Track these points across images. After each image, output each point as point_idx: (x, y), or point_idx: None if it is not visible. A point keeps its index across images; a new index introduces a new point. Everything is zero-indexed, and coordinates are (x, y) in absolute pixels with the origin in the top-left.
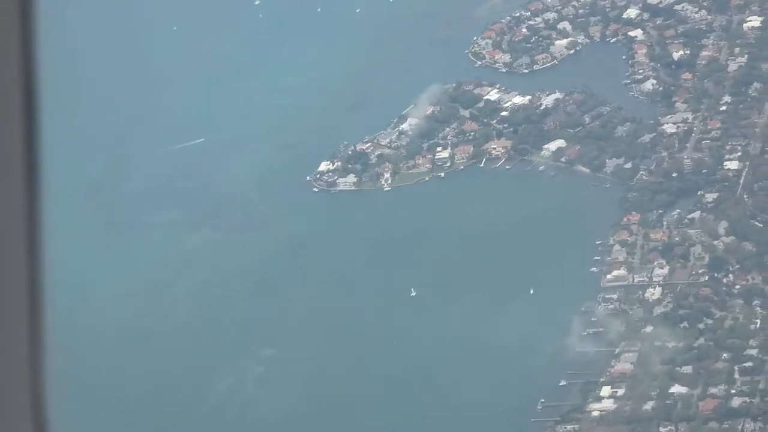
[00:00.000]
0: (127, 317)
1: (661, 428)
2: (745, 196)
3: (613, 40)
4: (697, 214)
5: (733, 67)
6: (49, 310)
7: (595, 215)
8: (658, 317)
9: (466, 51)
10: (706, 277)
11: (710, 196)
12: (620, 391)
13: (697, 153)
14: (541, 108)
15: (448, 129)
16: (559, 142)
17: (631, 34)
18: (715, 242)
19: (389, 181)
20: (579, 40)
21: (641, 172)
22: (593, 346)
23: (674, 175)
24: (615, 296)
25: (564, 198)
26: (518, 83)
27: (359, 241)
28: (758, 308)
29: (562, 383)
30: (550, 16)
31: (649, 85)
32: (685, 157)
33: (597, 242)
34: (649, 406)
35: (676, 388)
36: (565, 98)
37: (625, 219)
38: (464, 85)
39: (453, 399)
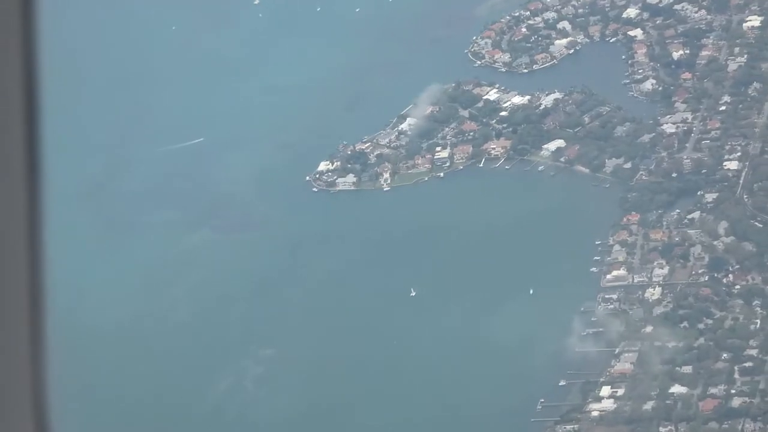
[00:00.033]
0: (127, 317)
1: (660, 428)
2: (745, 196)
3: (613, 39)
4: (696, 214)
5: (732, 66)
6: (50, 310)
7: (594, 215)
8: (658, 317)
9: (466, 51)
10: (706, 277)
11: (710, 196)
12: (620, 391)
13: (697, 153)
14: (541, 108)
15: (447, 129)
16: (559, 142)
17: (631, 33)
18: (715, 242)
19: (388, 181)
20: (578, 40)
21: (641, 172)
22: (593, 346)
23: (674, 175)
24: (615, 296)
25: (563, 198)
26: (518, 83)
27: (358, 241)
28: (758, 308)
29: (562, 383)
30: (550, 15)
31: (648, 84)
32: (685, 157)
33: (597, 242)
34: (649, 406)
35: (676, 388)
36: (565, 98)
37: (624, 219)
38: (463, 84)
39: (453, 399)
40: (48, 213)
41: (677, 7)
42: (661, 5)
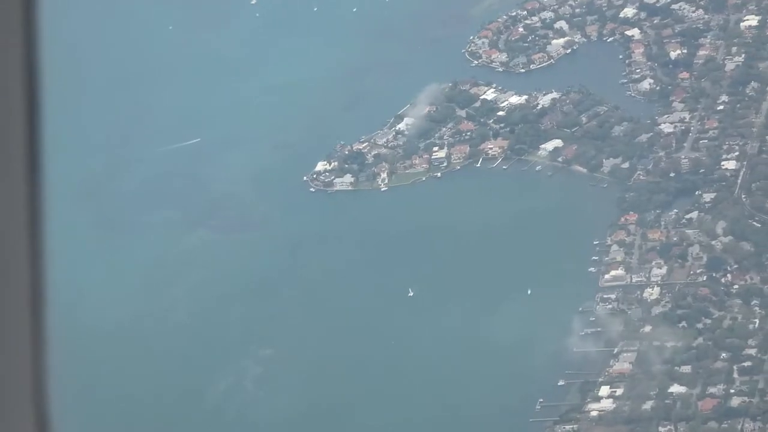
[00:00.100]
0: (126, 316)
1: (660, 428)
2: (743, 196)
3: (610, 39)
4: (694, 214)
5: (730, 66)
6: (50, 310)
7: (592, 215)
8: (657, 317)
9: (463, 50)
10: (705, 277)
11: (708, 196)
12: (619, 391)
13: (695, 153)
14: (538, 108)
15: (444, 129)
16: (556, 142)
17: (628, 33)
18: (713, 242)
19: (386, 181)
20: (576, 40)
21: (638, 172)
22: (592, 346)
23: (672, 174)
24: (613, 296)
25: (561, 198)
26: (515, 83)
27: (356, 241)
28: (757, 308)
29: (561, 383)
30: (547, 15)
31: (646, 84)
32: (683, 156)
33: (595, 242)
34: (648, 405)
35: (675, 388)
36: (562, 98)
37: (622, 219)
38: (461, 84)
39: (451, 399)
40: (48, 213)
41: (674, 6)
42: (658, 5)
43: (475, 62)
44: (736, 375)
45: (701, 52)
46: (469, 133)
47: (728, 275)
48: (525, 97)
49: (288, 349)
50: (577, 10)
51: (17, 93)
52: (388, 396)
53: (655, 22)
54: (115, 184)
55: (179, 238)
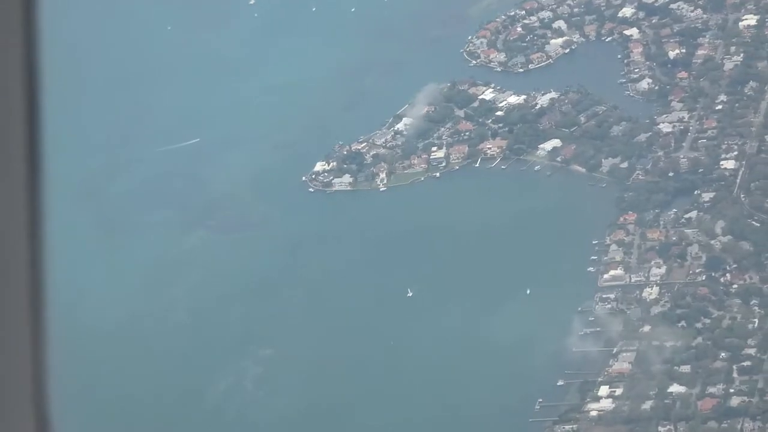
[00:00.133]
0: (126, 317)
1: (659, 428)
2: (742, 196)
3: (609, 39)
4: (693, 214)
5: (729, 65)
6: (50, 310)
7: (591, 215)
8: (656, 317)
9: (461, 50)
10: (704, 277)
11: (707, 196)
12: (618, 391)
13: (694, 152)
14: (537, 107)
15: (443, 129)
16: (555, 142)
17: (627, 32)
18: (712, 241)
19: (385, 181)
20: (574, 39)
21: (637, 172)
22: (591, 345)
23: (670, 174)
24: (612, 296)
25: (560, 198)
26: (513, 83)
27: (355, 241)
28: (756, 307)
29: (560, 383)
30: (545, 14)
31: (644, 84)
32: (682, 156)
33: (594, 242)
34: (647, 405)
35: (675, 388)
36: (561, 97)
37: (621, 219)
38: (459, 84)
39: (451, 399)
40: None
41: (673, 6)
42: (656, 4)
43: (474, 62)
44: (735, 374)
45: (700, 52)
46: (467, 133)
47: (727, 275)
48: (523, 96)
49: (288, 349)
50: (576, 10)
51: (17, 93)
52: (388, 396)
53: (654, 21)
54: (114, 184)
55: (179, 238)
